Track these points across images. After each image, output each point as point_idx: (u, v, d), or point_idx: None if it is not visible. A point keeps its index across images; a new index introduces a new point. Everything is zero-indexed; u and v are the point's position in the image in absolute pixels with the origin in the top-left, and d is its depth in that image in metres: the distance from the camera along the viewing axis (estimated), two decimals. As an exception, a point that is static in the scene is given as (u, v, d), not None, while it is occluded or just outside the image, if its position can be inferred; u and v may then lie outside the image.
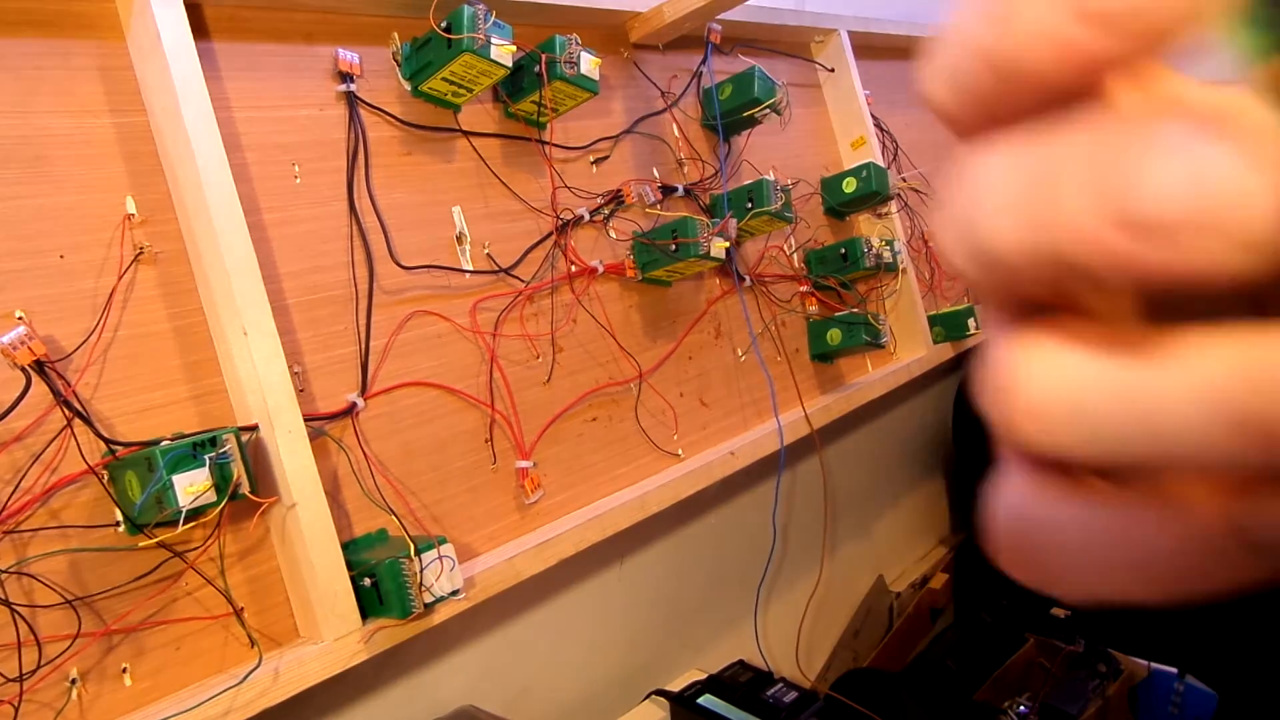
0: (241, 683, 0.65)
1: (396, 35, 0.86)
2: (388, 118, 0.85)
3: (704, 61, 1.14)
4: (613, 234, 1.03)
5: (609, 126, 1.05)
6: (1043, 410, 0.12)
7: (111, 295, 0.67)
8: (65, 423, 0.62)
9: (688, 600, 1.19)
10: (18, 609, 0.59)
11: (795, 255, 1.28)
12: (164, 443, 0.63)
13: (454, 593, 0.76)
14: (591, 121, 1.03)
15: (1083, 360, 0.12)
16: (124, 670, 0.65)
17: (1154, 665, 1.16)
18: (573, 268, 0.98)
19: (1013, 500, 0.13)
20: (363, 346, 0.80)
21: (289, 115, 0.79)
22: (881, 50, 1.52)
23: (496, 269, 0.92)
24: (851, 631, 1.38)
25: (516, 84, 0.92)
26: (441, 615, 0.76)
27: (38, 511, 0.61)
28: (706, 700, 0.98)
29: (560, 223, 0.97)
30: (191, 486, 0.61)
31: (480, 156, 0.92)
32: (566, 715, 1.04)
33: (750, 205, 1.09)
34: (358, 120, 0.82)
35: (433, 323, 0.86)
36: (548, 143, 0.97)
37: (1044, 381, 0.12)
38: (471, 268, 0.90)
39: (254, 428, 0.69)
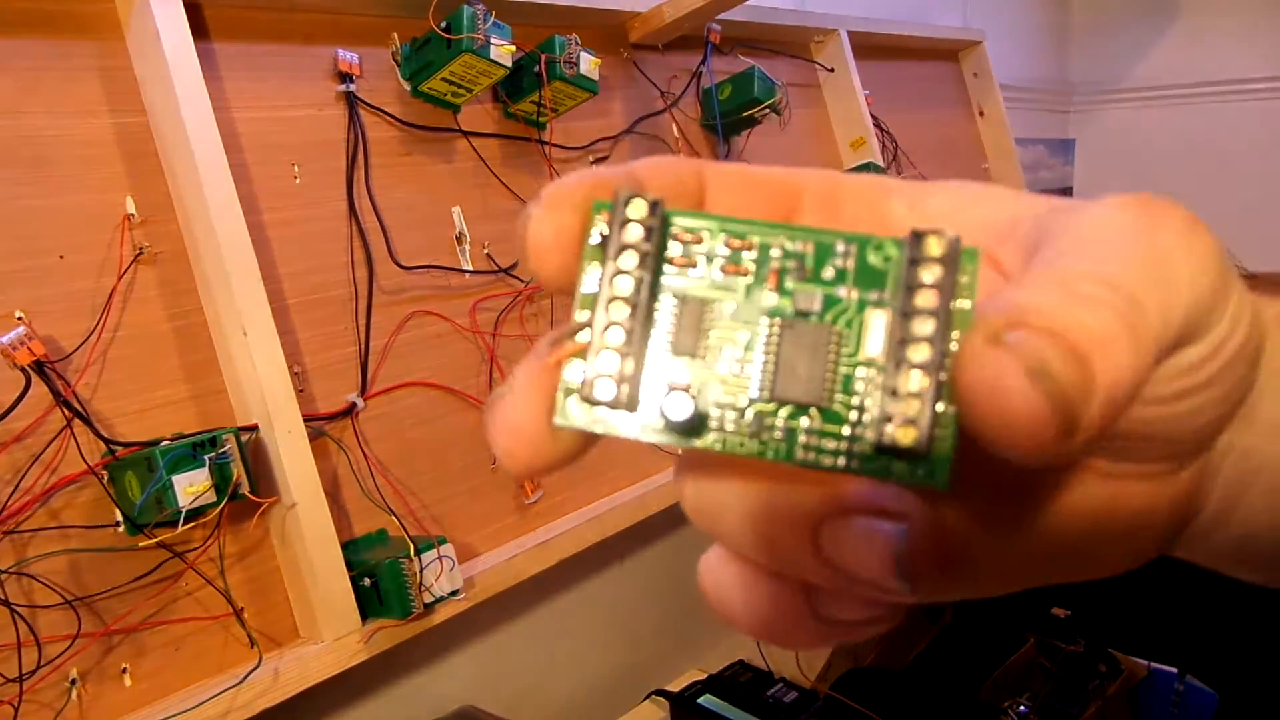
0: (241, 683, 0.65)
1: (396, 35, 0.86)
2: (387, 118, 0.85)
3: (703, 62, 1.14)
4: (612, 234, 1.03)
5: (608, 127, 1.05)
6: (688, 507, 0.19)
7: (111, 295, 0.67)
8: (65, 423, 0.62)
9: (688, 600, 1.19)
10: (18, 609, 0.59)
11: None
12: (164, 443, 0.63)
13: (454, 593, 0.76)
14: (591, 122, 1.03)
15: (697, 483, 0.19)
16: (124, 670, 0.65)
17: (1154, 665, 1.16)
18: (572, 268, 0.98)
19: (710, 556, 0.20)
20: (362, 347, 0.80)
21: (289, 115, 0.79)
22: (881, 50, 1.52)
23: (496, 269, 0.92)
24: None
25: (516, 84, 0.91)
26: (441, 615, 0.76)
27: (38, 512, 0.61)
28: (706, 700, 0.98)
29: (560, 223, 0.97)
30: (191, 487, 0.61)
31: (480, 157, 0.92)
32: (566, 715, 1.04)
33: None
34: (357, 120, 0.82)
35: (432, 323, 0.86)
36: (547, 143, 0.97)
37: (684, 492, 0.19)
38: (471, 268, 0.90)
39: (254, 428, 0.69)
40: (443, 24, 0.81)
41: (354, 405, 0.79)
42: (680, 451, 0.18)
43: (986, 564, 0.20)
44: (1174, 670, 1.15)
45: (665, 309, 0.17)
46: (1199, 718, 1.12)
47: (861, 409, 0.16)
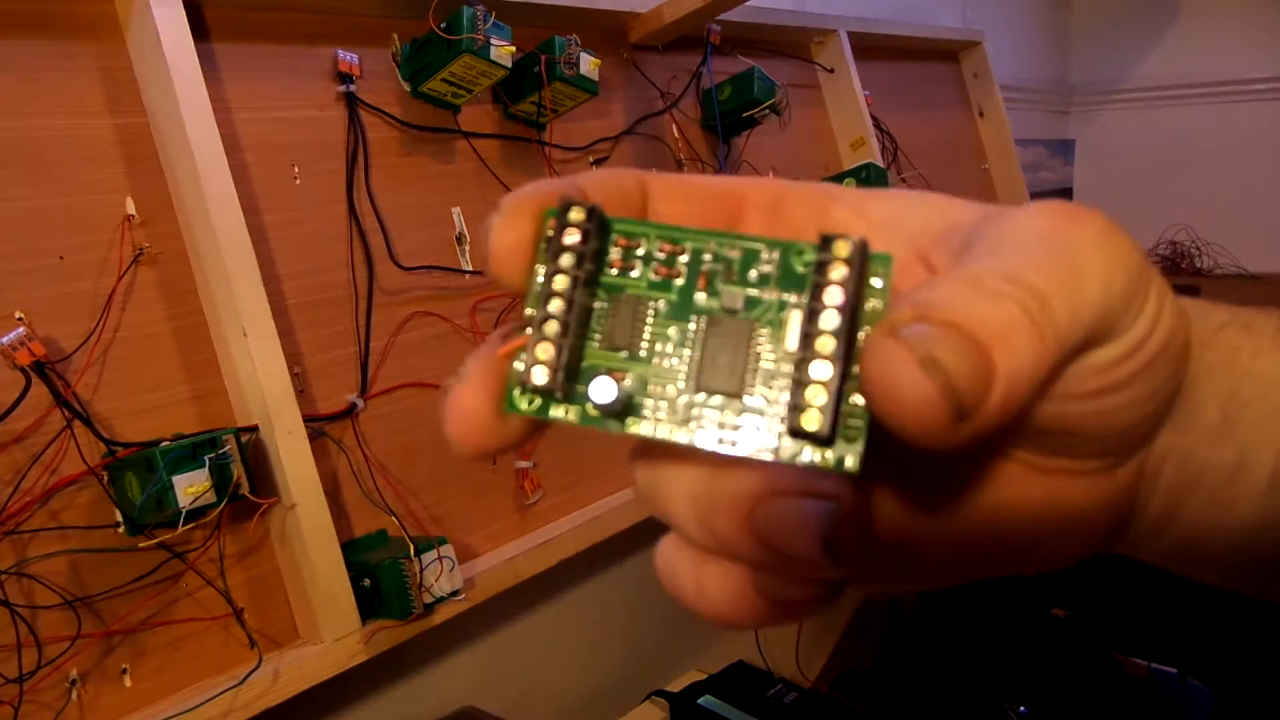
0: (241, 683, 0.65)
1: (396, 36, 0.86)
2: (387, 119, 0.85)
3: (703, 62, 1.14)
4: (612, 234, 1.03)
5: (608, 127, 1.05)
6: (638, 491, 0.21)
7: (111, 296, 0.67)
8: (65, 423, 0.62)
9: (688, 601, 1.18)
10: (18, 610, 0.59)
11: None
12: (164, 443, 0.63)
13: (454, 593, 0.76)
14: (591, 122, 1.03)
15: (645, 469, 0.20)
16: (124, 671, 0.65)
17: (1154, 665, 1.16)
18: (572, 268, 0.98)
19: (664, 542, 0.21)
20: (362, 347, 0.80)
21: (289, 116, 0.79)
22: (881, 50, 1.52)
23: (496, 269, 0.92)
24: (852, 631, 1.38)
25: (516, 85, 0.92)
26: (441, 616, 0.76)
27: (38, 512, 0.61)
28: (706, 700, 0.98)
29: (560, 223, 0.97)
30: (191, 487, 0.61)
31: (480, 157, 0.92)
32: (566, 715, 1.04)
33: (750, 206, 1.09)
34: (357, 121, 0.82)
35: (433, 323, 0.86)
36: (547, 143, 0.97)
37: (635, 477, 0.21)
38: (471, 268, 0.90)
39: (254, 428, 0.69)
40: (443, 24, 0.81)
41: (354, 406, 0.79)
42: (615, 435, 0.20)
43: (926, 552, 0.21)
44: (1174, 670, 1.15)
45: (602, 307, 0.19)
46: (1199, 718, 1.12)
47: (781, 401, 0.18)
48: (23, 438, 0.61)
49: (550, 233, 0.19)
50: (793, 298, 0.18)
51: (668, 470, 0.20)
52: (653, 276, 0.19)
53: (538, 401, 0.19)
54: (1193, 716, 1.12)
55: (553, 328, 0.18)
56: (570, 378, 0.18)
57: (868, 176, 1.29)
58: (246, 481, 0.65)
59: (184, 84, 0.67)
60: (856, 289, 0.17)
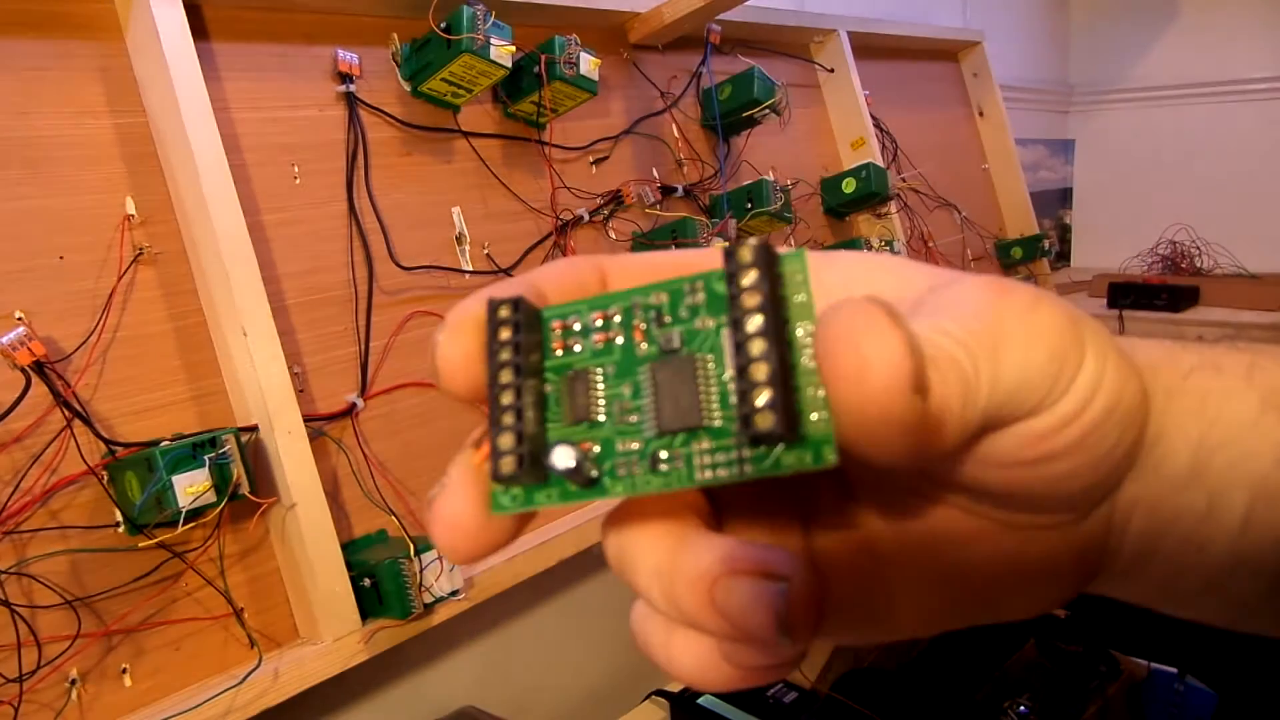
0: (241, 683, 0.65)
1: (396, 36, 0.86)
2: (387, 118, 0.85)
3: (703, 62, 1.14)
4: (612, 234, 1.03)
5: (608, 127, 1.05)
6: (610, 564, 0.21)
7: (111, 296, 0.67)
8: (65, 423, 0.62)
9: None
10: (18, 609, 0.59)
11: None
12: (164, 443, 0.63)
13: (454, 593, 0.76)
14: (591, 122, 1.03)
15: (616, 542, 0.21)
16: (124, 670, 0.65)
17: (1154, 665, 1.16)
18: (572, 268, 0.98)
19: (638, 607, 0.21)
20: (362, 347, 0.80)
21: (288, 116, 0.79)
22: (881, 50, 1.52)
23: (496, 269, 0.92)
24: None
25: (516, 84, 0.92)
26: (441, 615, 0.76)
27: (37, 512, 0.62)
28: (706, 700, 0.98)
29: (560, 223, 0.97)
30: (191, 487, 0.61)
31: (480, 157, 0.92)
32: (566, 715, 1.04)
33: (750, 205, 1.09)
34: (357, 121, 0.82)
35: (433, 323, 0.86)
36: (547, 143, 0.97)
37: (606, 551, 0.21)
38: (471, 268, 0.90)
39: (254, 428, 0.69)
40: (443, 24, 0.81)
41: (354, 405, 0.79)
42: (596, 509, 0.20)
43: (899, 607, 0.21)
44: (1174, 670, 1.15)
45: (556, 390, 0.19)
46: (1199, 718, 1.12)
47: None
48: (23, 438, 0.61)
49: (489, 336, 0.19)
50: (724, 319, 0.18)
51: (633, 546, 0.20)
52: (595, 346, 0.19)
53: (520, 495, 0.19)
54: (1193, 716, 1.12)
55: (509, 418, 0.19)
56: (536, 460, 0.19)
57: (867, 176, 1.29)
58: (246, 481, 0.65)
59: (184, 84, 0.67)
60: (770, 286, 0.17)
